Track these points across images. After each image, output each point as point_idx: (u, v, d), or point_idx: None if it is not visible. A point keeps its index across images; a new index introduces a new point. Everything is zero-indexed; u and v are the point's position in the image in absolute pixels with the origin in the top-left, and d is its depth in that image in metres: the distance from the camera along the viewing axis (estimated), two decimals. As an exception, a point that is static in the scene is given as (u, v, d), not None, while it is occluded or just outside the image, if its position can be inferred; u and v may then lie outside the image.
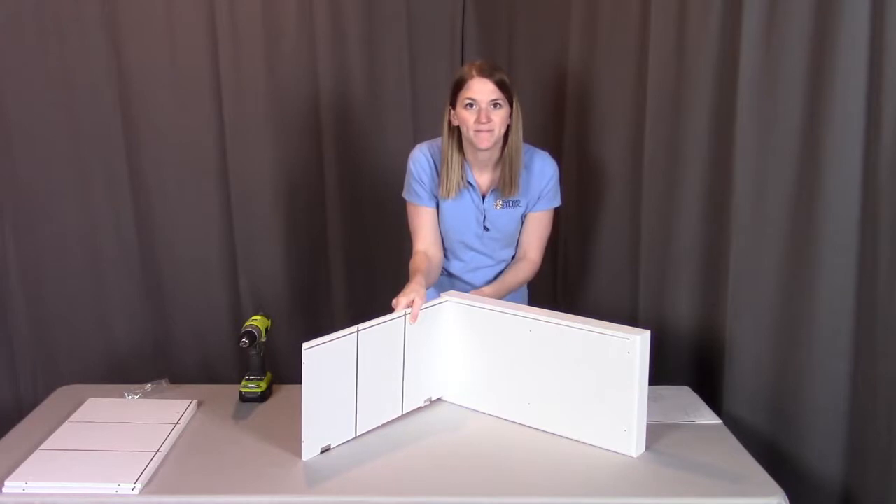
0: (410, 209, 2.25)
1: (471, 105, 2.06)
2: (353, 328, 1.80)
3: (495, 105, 2.06)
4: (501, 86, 2.06)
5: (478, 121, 2.06)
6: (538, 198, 2.22)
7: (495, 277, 2.30)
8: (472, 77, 2.06)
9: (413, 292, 1.92)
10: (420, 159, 2.20)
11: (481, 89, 2.05)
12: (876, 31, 1.70)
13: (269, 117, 2.97)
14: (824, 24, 1.80)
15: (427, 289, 2.04)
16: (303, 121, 3.00)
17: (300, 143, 3.03)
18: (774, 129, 1.94)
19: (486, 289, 2.20)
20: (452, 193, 2.16)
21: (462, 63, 3.07)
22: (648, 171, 2.37)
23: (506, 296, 2.20)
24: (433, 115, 3.07)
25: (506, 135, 2.12)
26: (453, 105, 2.11)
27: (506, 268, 2.31)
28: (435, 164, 2.19)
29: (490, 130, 2.07)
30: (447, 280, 2.34)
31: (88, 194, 2.97)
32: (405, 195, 2.24)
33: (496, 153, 2.16)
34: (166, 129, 2.95)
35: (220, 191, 3.01)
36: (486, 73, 2.05)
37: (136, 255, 3.03)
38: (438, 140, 2.21)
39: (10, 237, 2.96)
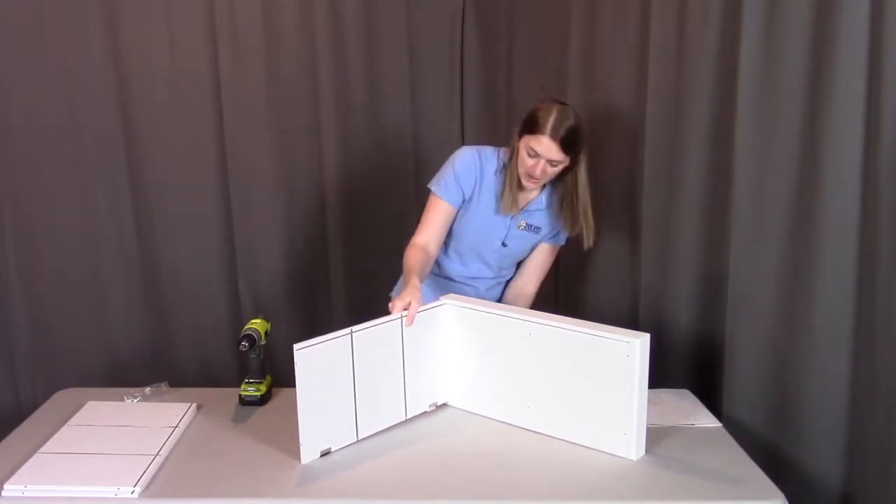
0: (431, 200, 2.22)
1: (532, 155, 2.07)
2: (347, 330, 1.80)
3: (552, 164, 2.08)
4: (568, 147, 2.05)
5: (531, 171, 2.09)
6: (557, 233, 2.29)
7: (494, 290, 2.35)
8: (544, 133, 2.04)
9: (409, 295, 1.92)
10: (470, 161, 2.20)
11: (548, 149, 2.05)
12: (876, 31, 1.69)
13: (268, 119, 2.98)
14: (824, 24, 1.79)
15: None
16: (302, 122, 3.00)
17: (300, 145, 3.03)
18: (774, 129, 1.93)
19: None
20: (516, 210, 2.19)
21: (462, 63, 3.07)
22: (648, 172, 2.36)
23: None
24: (433, 115, 3.09)
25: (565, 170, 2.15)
26: (521, 136, 2.10)
27: (502, 295, 2.38)
28: (482, 170, 2.20)
29: (538, 180, 2.11)
30: (444, 281, 2.33)
31: (88, 197, 2.97)
32: (433, 186, 2.22)
33: None
34: (166, 131, 2.95)
35: (220, 193, 3.02)
36: (556, 133, 2.03)
37: (136, 258, 3.03)
38: (489, 150, 2.23)
39: (9, 240, 2.97)
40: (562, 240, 2.33)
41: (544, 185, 2.21)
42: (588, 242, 2.25)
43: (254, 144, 2.98)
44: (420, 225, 2.22)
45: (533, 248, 2.32)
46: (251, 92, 2.94)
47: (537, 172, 2.08)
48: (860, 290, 1.80)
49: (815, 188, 1.84)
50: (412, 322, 1.91)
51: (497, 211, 2.20)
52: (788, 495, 1.62)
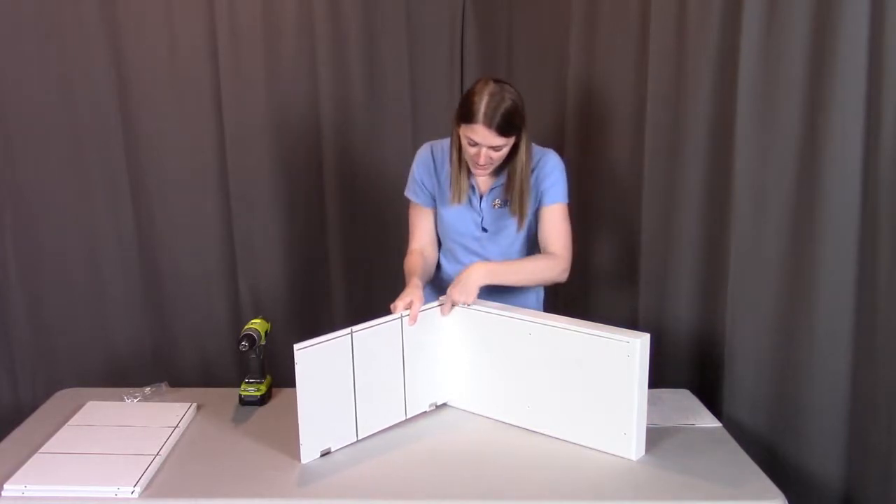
0: (410, 207, 2.24)
1: (472, 144, 2.01)
2: (347, 330, 1.80)
3: (495, 149, 2.01)
4: (505, 131, 1.96)
5: (475, 160, 2.03)
6: (541, 193, 2.15)
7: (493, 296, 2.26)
8: (477, 121, 1.94)
9: (410, 294, 1.93)
10: (423, 157, 2.19)
11: (484, 136, 1.96)
12: (876, 31, 1.69)
13: (268, 120, 2.97)
14: (824, 25, 1.79)
15: (423, 286, 2.04)
16: (302, 123, 3.00)
17: (300, 146, 3.02)
18: (774, 129, 1.93)
19: (496, 264, 2.11)
20: (463, 199, 2.14)
21: (462, 63, 3.07)
22: (649, 172, 2.36)
23: (522, 277, 2.10)
24: (433, 115, 3.08)
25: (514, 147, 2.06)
26: (458, 124, 2.03)
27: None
28: (436, 165, 2.19)
29: (486, 168, 2.05)
30: (447, 284, 2.32)
31: (88, 198, 2.97)
32: (406, 192, 2.23)
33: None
34: (166, 132, 2.95)
35: (220, 194, 3.01)
36: (490, 120, 1.93)
37: (136, 259, 3.03)
38: (444, 141, 2.20)
39: (9, 240, 2.96)
40: (555, 197, 2.12)
41: (505, 161, 2.10)
42: (518, 227, 2.14)
43: (254, 144, 2.98)
44: (410, 233, 2.24)
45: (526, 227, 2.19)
46: (251, 92, 2.94)
47: (481, 161, 2.01)
48: (860, 289, 1.80)
49: (815, 188, 1.84)
50: (415, 321, 1.91)
51: (458, 199, 2.14)
52: (788, 495, 1.62)
